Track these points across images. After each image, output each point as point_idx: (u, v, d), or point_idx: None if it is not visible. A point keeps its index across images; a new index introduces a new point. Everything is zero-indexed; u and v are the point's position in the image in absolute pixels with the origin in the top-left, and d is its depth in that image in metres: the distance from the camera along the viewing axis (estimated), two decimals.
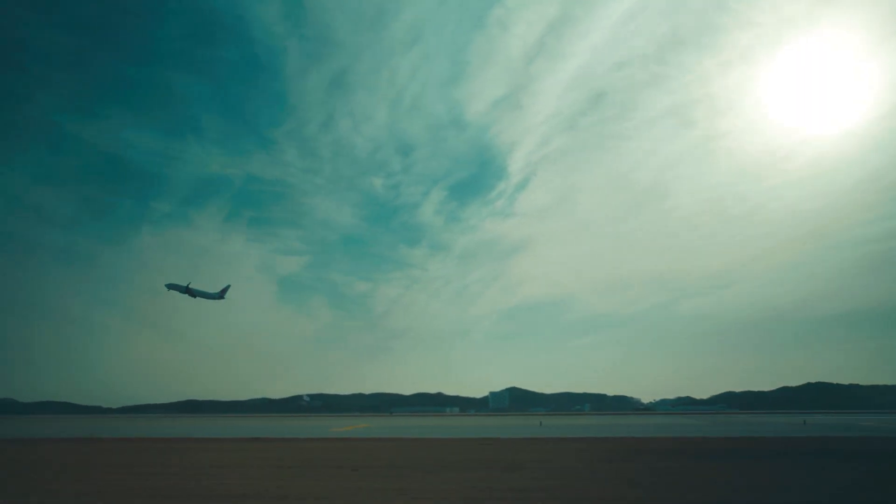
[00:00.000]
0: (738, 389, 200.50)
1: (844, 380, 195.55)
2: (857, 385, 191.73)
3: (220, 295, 67.31)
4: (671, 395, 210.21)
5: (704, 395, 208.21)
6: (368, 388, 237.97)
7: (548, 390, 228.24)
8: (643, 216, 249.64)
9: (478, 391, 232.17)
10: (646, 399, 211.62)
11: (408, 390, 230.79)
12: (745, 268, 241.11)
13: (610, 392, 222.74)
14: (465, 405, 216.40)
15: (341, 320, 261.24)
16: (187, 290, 65.18)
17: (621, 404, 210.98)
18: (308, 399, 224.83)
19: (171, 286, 65.23)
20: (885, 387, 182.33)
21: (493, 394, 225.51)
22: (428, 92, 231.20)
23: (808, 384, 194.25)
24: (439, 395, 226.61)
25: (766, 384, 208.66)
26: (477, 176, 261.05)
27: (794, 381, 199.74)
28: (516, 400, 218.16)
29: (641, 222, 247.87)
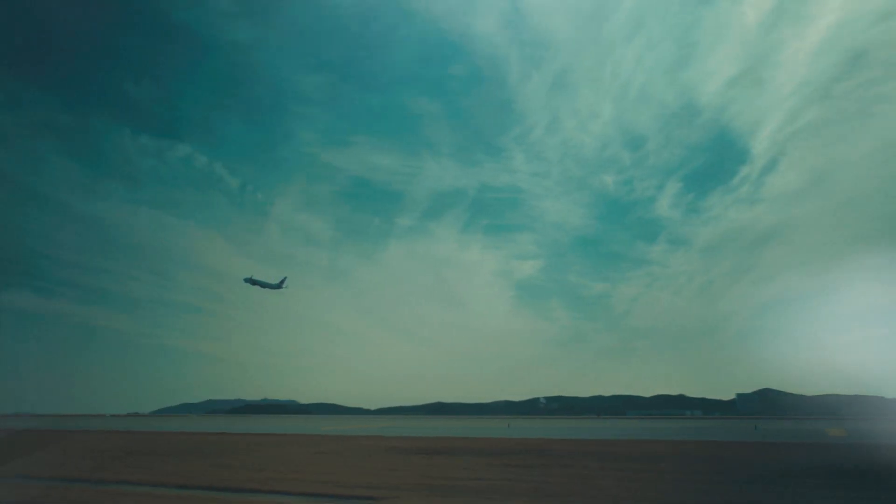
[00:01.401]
0: None
1: None
2: None
3: (279, 285, 72.11)
4: None
5: None
6: (608, 389, 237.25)
7: (808, 392, 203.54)
8: None
9: (724, 393, 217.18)
10: None
11: (647, 392, 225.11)
12: None
13: (890, 394, 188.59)
14: (709, 408, 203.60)
15: (580, 322, 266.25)
16: (252, 282, 70.53)
17: None
18: (545, 401, 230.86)
19: (246, 280, 71.12)
20: None
21: (740, 395, 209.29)
22: (655, 80, 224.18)
23: None
24: (681, 397, 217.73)
25: None
26: (715, 163, 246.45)
27: None
28: (768, 402, 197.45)
29: None
